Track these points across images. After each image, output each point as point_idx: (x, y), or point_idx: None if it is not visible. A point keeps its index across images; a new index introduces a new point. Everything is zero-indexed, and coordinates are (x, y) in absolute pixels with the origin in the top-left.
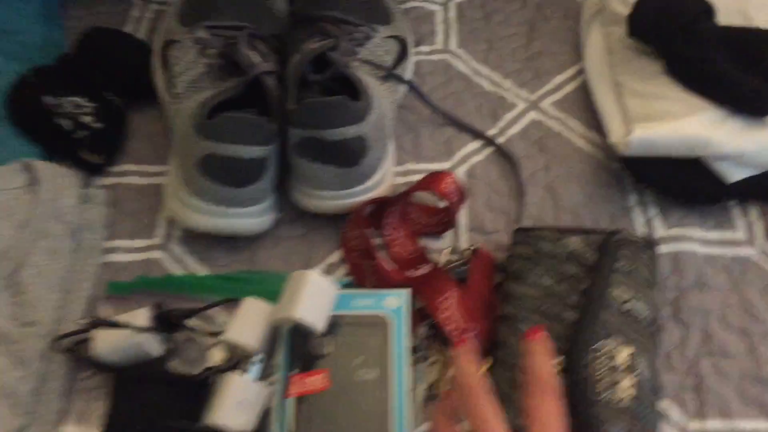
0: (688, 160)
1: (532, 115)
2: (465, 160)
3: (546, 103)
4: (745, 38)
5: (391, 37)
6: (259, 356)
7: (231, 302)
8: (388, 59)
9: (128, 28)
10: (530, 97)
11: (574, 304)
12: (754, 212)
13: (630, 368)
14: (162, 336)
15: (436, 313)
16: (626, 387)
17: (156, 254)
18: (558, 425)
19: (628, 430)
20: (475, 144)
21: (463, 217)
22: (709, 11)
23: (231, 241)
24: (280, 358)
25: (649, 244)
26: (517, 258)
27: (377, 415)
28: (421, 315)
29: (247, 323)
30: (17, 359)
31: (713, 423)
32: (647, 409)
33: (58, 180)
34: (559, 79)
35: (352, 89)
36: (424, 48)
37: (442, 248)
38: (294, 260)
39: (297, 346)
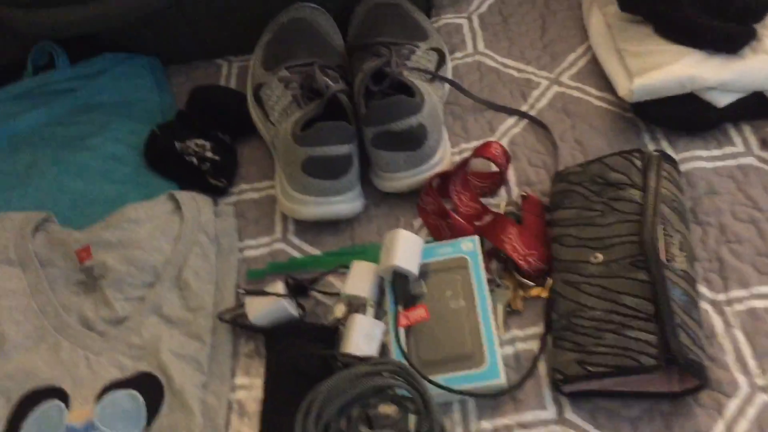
0: (683, 95)
1: (555, 89)
2: (506, 133)
3: (564, 77)
4: None
5: (430, 49)
6: (372, 302)
7: (343, 269)
8: (431, 66)
9: (222, 83)
10: (551, 76)
11: (601, 209)
12: (747, 129)
13: (681, 247)
14: (296, 300)
15: (503, 246)
16: (681, 261)
17: (278, 246)
18: None
19: (684, 289)
20: (512, 120)
21: (511, 175)
22: None
23: (334, 226)
24: (388, 300)
25: (671, 159)
26: (556, 194)
27: (470, 332)
28: (490, 254)
29: (359, 279)
30: (193, 335)
31: (736, 293)
32: (694, 281)
33: (196, 203)
34: (572, 57)
35: (407, 92)
36: (458, 54)
37: (499, 202)
38: (385, 232)
39: (400, 290)
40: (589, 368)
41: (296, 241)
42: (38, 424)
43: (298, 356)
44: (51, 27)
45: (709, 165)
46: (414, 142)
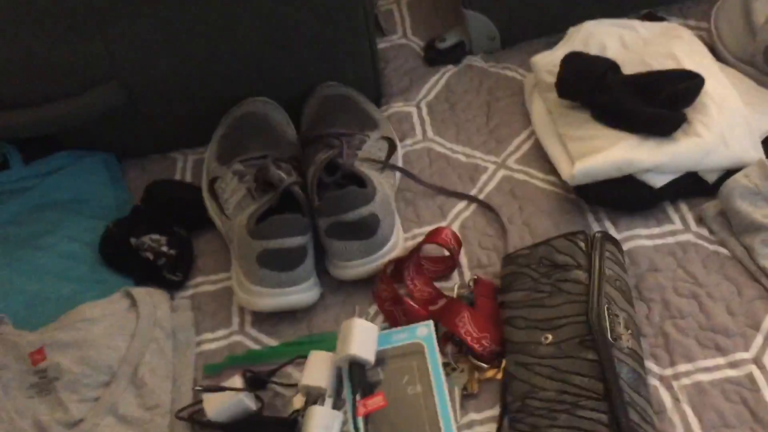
0: (622, 177)
1: (502, 173)
2: (456, 217)
3: (510, 161)
4: (645, 80)
5: (381, 138)
6: (331, 392)
7: (300, 359)
8: (382, 155)
9: (177, 176)
10: (497, 160)
11: (549, 291)
12: (683, 206)
13: (626, 325)
14: (254, 394)
15: (457, 330)
16: (627, 338)
17: (236, 338)
18: None
19: (632, 367)
20: (462, 204)
21: (463, 258)
22: (614, 66)
23: (291, 315)
24: (346, 390)
25: (613, 239)
26: (506, 276)
27: (428, 418)
28: (445, 338)
29: (316, 369)
30: None
31: (682, 367)
32: (641, 357)
33: (152, 298)
34: (517, 141)
35: (359, 182)
36: (408, 141)
37: (452, 285)
38: (341, 320)
39: (357, 378)
40: None
41: (254, 332)
42: None
43: None
44: (3, 129)
45: (650, 243)
46: (367, 231)
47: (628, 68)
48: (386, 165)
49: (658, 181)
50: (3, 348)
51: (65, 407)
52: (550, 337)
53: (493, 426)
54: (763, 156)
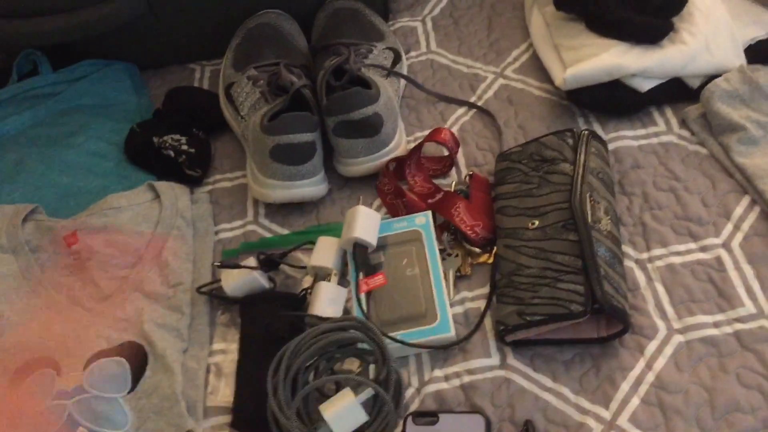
0: (610, 82)
1: (500, 81)
2: (456, 121)
3: (509, 71)
4: None
5: (386, 48)
6: (336, 271)
7: (309, 245)
8: (387, 64)
9: (195, 84)
10: (496, 70)
11: (538, 182)
12: (668, 110)
13: (606, 212)
14: (267, 274)
15: (453, 218)
16: (606, 223)
17: (250, 227)
18: None
19: (609, 247)
20: (462, 110)
21: (461, 158)
22: None
23: (300, 208)
24: (350, 270)
25: (599, 138)
26: (499, 171)
27: (424, 294)
28: (441, 228)
29: (324, 252)
30: (173, 307)
31: (657, 251)
32: (618, 241)
33: (174, 191)
34: (515, 53)
35: (364, 85)
36: (412, 53)
37: (450, 182)
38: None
39: (360, 260)
40: (527, 318)
41: (266, 222)
42: (32, 390)
43: (270, 320)
44: (33, 36)
45: (635, 143)
46: (371, 129)
47: None
48: (391, 72)
49: (645, 85)
50: (39, 233)
51: (96, 284)
52: (536, 222)
53: (483, 301)
54: (745, 62)
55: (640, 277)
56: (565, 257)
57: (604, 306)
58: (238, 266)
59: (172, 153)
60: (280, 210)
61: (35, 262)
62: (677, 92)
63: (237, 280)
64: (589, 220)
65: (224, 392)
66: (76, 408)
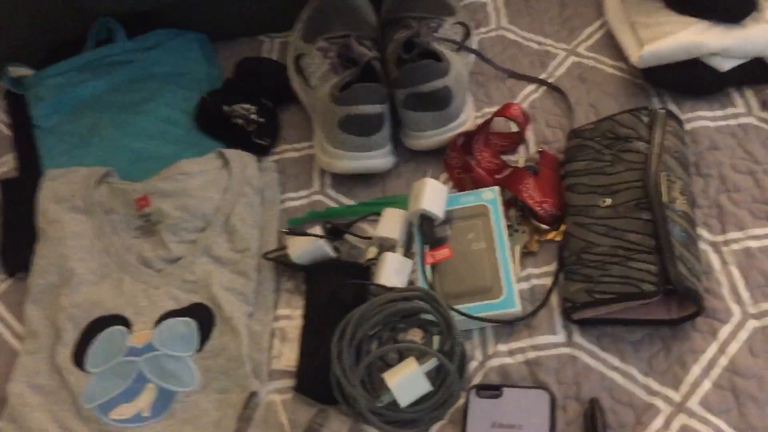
0: (689, 61)
1: (572, 59)
2: (526, 98)
3: (581, 49)
4: None
5: (457, 23)
6: (402, 243)
7: (374, 217)
8: (457, 38)
9: (264, 56)
10: (568, 47)
11: (611, 160)
12: (748, 92)
13: (682, 192)
14: (332, 244)
15: (521, 194)
16: (681, 203)
17: (316, 197)
18: None
19: (684, 228)
20: (532, 87)
21: (530, 135)
22: None
23: (366, 179)
24: (416, 242)
25: (676, 116)
26: (570, 148)
27: (490, 268)
28: (508, 204)
29: (390, 224)
30: (240, 272)
31: (733, 234)
32: (693, 222)
33: (242, 159)
34: (588, 30)
35: (435, 59)
36: (482, 29)
37: (517, 158)
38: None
39: (426, 232)
40: (596, 296)
41: (332, 193)
42: (104, 345)
43: (336, 287)
44: (111, 3)
45: (712, 124)
46: (440, 102)
47: None
48: (461, 46)
49: (725, 65)
50: (112, 195)
51: (166, 246)
52: (608, 200)
53: (549, 279)
54: None
55: (715, 260)
56: (637, 236)
57: (678, 287)
58: (304, 234)
59: (241, 122)
60: (346, 181)
61: (108, 223)
62: (759, 73)
63: (303, 248)
64: (664, 199)
65: (288, 356)
66: (146, 365)
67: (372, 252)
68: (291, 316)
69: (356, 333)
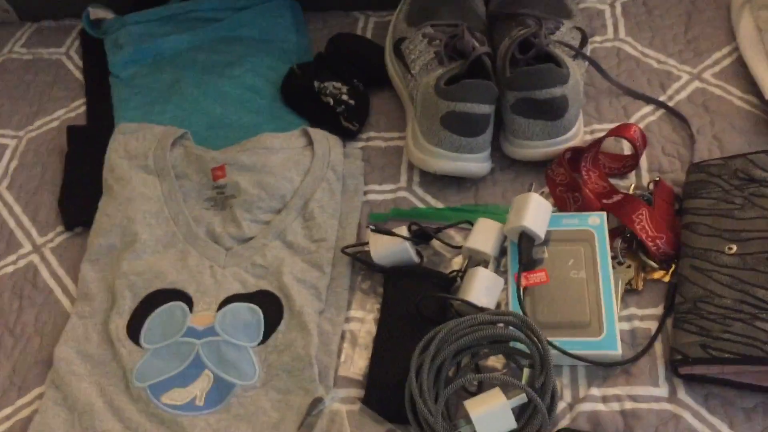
0: None
1: (696, 84)
2: (640, 120)
3: (707, 74)
4: None
5: (574, 27)
6: (494, 258)
7: (465, 224)
8: (575, 43)
9: (357, 33)
10: (693, 71)
11: (741, 203)
12: None
13: None
14: (416, 247)
15: (633, 225)
16: None
17: (402, 194)
18: None
19: None
20: (648, 108)
21: (643, 161)
22: None
23: (458, 182)
24: (510, 260)
25: None
26: (692, 183)
27: (590, 302)
28: (613, 233)
29: (483, 235)
30: (314, 264)
31: None
32: None
33: (328, 141)
34: (716, 56)
35: (554, 63)
36: (597, 38)
37: (627, 184)
38: (509, 196)
39: (524, 251)
40: (713, 352)
41: (420, 191)
42: (162, 320)
43: (420, 297)
44: None
45: None
46: (555, 112)
47: None
48: (580, 53)
49: None
50: (187, 160)
51: (238, 223)
52: (734, 247)
53: (653, 323)
54: None
55: None
56: (767, 294)
57: None
58: (391, 233)
59: (331, 101)
60: (436, 181)
61: (179, 189)
62: None
63: (386, 248)
64: None
65: (358, 363)
66: (205, 349)
67: (457, 263)
68: (363, 320)
69: (440, 352)
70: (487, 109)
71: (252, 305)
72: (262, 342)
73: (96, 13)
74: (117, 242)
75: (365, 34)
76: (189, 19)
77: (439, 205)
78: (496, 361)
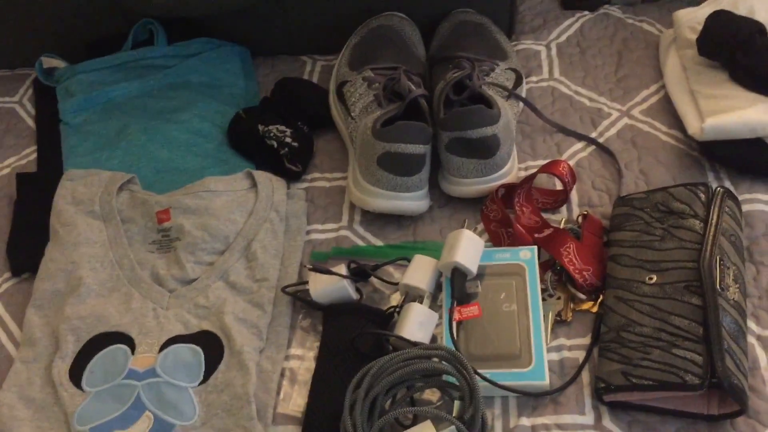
0: (751, 140)
1: (625, 121)
2: (572, 156)
3: (635, 111)
4: None
5: (509, 69)
6: (429, 294)
7: (402, 261)
8: (509, 84)
9: (305, 77)
10: (622, 108)
11: (661, 235)
12: None
13: (735, 279)
14: (355, 285)
15: (562, 258)
16: (734, 291)
17: (343, 233)
18: None
19: (735, 318)
20: (580, 145)
21: (574, 195)
22: (762, 30)
23: (398, 220)
24: (444, 295)
25: (734, 197)
26: (617, 216)
27: (520, 334)
28: (544, 266)
29: (419, 271)
30: (255, 303)
31: None
32: (744, 312)
33: (271, 183)
34: (644, 93)
35: (485, 104)
36: (533, 78)
37: (558, 218)
38: (446, 232)
39: (457, 286)
40: (633, 380)
41: (361, 230)
42: (104, 363)
43: (355, 334)
44: (157, 6)
45: None
46: (487, 151)
47: None
48: (512, 93)
49: None
50: (132, 204)
51: (182, 265)
52: (654, 277)
53: (581, 353)
54: None
55: (762, 356)
56: (684, 321)
57: (724, 382)
58: (329, 272)
59: (275, 144)
60: (376, 219)
61: (124, 233)
62: None
63: (325, 286)
64: (717, 285)
65: (296, 400)
66: (145, 391)
67: (396, 299)
68: (303, 357)
69: (373, 386)
70: (421, 149)
71: (193, 346)
72: (203, 382)
73: (49, 62)
74: (62, 287)
75: (312, 78)
76: (139, 66)
77: (379, 242)
78: (431, 395)
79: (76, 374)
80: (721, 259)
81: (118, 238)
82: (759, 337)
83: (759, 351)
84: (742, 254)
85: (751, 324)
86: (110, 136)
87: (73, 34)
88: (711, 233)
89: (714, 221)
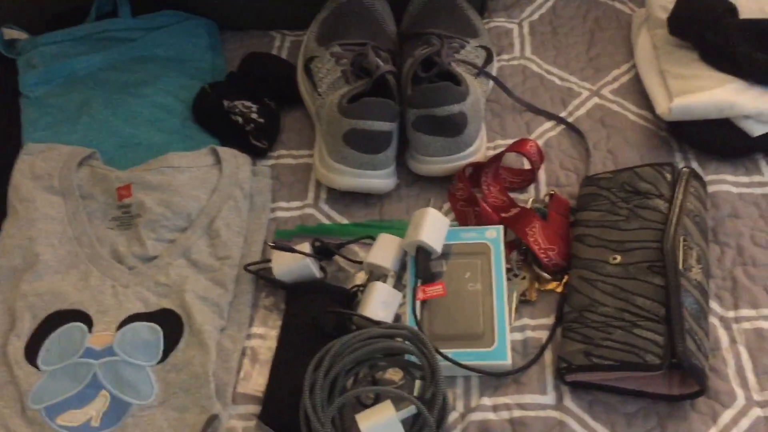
0: (719, 120)
1: (595, 100)
2: (542, 135)
3: (605, 91)
4: (762, 27)
5: (479, 46)
6: (393, 273)
7: (367, 240)
8: (479, 62)
9: (273, 53)
10: (592, 88)
11: (626, 215)
12: None
13: (698, 260)
14: (319, 264)
15: (526, 238)
16: (697, 272)
17: (309, 211)
18: None
19: (696, 299)
20: (549, 124)
21: (542, 175)
22: (732, 9)
23: (364, 198)
24: (409, 274)
25: (699, 177)
26: (584, 196)
27: (484, 314)
28: (511, 245)
29: (383, 250)
30: (217, 281)
31: (745, 312)
32: (707, 293)
33: (236, 159)
34: (615, 73)
35: (453, 81)
36: (504, 56)
37: (526, 198)
38: (413, 211)
39: (421, 265)
40: (594, 360)
41: (326, 208)
42: (60, 342)
43: (317, 312)
44: None
45: (735, 190)
46: (454, 129)
47: (746, 14)
48: (482, 71)
49: (756, 129)
50: (92, 180)
51: (142, 243)
52: (618, 257)
53: (545, 333)
54: None
55: (723, 337)
56: (646, 301)
57: (683, 362)
58: (292, 250)
59: (240, 120)
60: (342, 197)
61: (83, 209)
62: None
63: (288, 265)
64: (680, 266)
65: (256, 380)
66: (102, 370)
67: (360, 278)
68: (265, 336)
69: (333, 366)
70: (387, 126)
71: (152, 324)
72: (161, 361)
73: (10, 33)
74: (19, 263)
75: (281, 54)
76: (103, 39)
77: (345, 221)
78: (393, 374)
79: (31, 353)
80: (684, 240)
81: (77, 215)
82: (722, 318)
83: (721, 332)
84: (706, 235)
85: (714, 305)
86: (71, 109)
87: (35, 5)
88: (675, 213)
89: (678, 202)
